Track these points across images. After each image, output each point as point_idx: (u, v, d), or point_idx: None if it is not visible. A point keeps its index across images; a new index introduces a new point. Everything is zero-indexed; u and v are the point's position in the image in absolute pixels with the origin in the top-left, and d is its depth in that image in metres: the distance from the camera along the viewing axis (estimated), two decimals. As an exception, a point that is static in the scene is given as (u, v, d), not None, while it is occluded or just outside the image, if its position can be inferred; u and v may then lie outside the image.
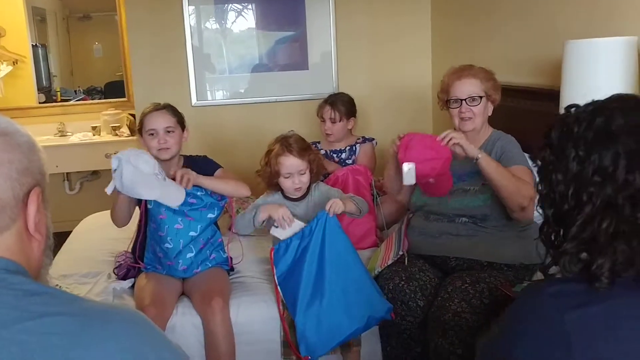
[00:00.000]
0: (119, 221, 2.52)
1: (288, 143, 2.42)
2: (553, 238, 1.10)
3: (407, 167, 2.23)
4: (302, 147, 2.43)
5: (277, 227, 2.37)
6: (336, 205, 2.32)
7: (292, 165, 2.40)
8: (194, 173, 2.39)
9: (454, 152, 2.28)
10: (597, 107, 1.07)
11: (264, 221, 2.40)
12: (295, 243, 2.32)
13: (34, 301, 0.84)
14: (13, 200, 0.89)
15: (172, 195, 2.33)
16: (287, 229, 2.35)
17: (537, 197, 1.14)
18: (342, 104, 3.26)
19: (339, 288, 2.26)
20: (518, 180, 2.26)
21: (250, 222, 2.41)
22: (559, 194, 1.06)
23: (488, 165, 2.25)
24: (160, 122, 2.50)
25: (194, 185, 2.43)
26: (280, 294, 2.33)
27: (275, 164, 2.41)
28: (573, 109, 1.10)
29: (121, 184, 2.28)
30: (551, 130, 1.11)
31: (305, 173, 2.43)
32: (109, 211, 3.62)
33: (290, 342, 2.29)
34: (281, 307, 2.35)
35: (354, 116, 3.32)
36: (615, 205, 0.99)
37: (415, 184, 2.38)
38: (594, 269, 0.98)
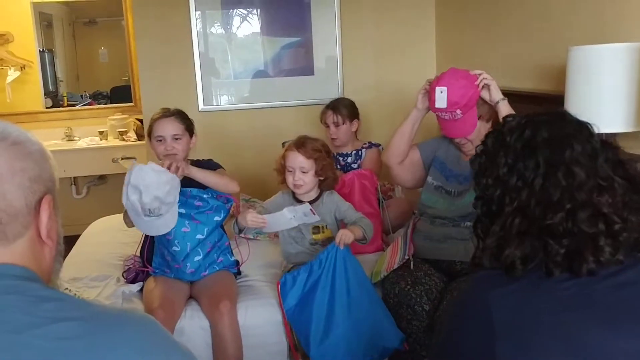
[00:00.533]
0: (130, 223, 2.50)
1: (301, 141, 2.50)
2: (482, 234, 1.21)
3: (440, 90, 2.34)
4: (313, 148, 2.48)
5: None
6: (346, 237, 2.34)
7: (295, 160, 2.46)
8: (184, 163, 2.42)
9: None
10: (528, 120, 1.19)
11: (242, 229, 2.46)
12: (304, 276, 2.34)
13: (48, 307, 0.86)
14: (25, 208, 0.90)
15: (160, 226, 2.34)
16: (268, 225, 2.40)
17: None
18: (343, 107, 3.30)
19: (352, 321, 2.26)
20: None
21: (236, 230, 2.48)
22: (488, 196, 1.19)
23: (509, 110, 2.33)
24: (169, 129, 2.52)
25: (199, 189, 2.47)
26: (289, 326, 2.36)
27: (283, 157, 2.50)
28: (510, 118, 1.22)
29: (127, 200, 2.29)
30: (487, 137, 1.23)
31: (307, 172, 2.47)
32: (116, 215, 3.68)
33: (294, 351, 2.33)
34: (292, 337, 2.37)
35: (357, 118, 3.36)
36: (528, 208, 1.12)
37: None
38: (503, 258, 1.11)
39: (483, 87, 2.39)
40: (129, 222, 2.44)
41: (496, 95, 2.38)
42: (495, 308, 1.08)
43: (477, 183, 1.23)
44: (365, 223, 2.47)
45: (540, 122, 1.17)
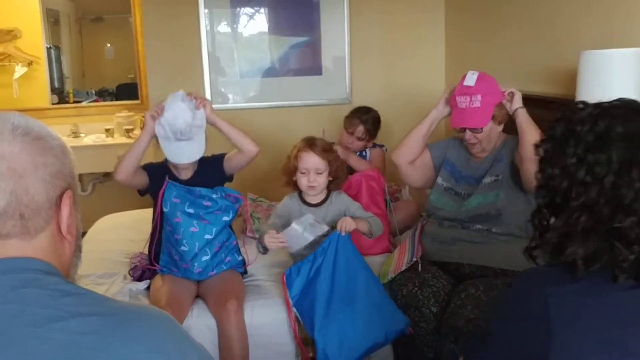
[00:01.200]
0: (124, 168, 2.49)
1: (312, 141, 2.47)
2: (541, 226, 1.16)
3: (473, 72, 2.43)
4: (325, 148, 2.47)
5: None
6: (347, 223, 2.34)
7: (310, 161, 2.43)
8: (210, 106, 2.54)
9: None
10: (601, 112, 1.10)
11: (267, 249, 2.41)
12: (307, 265, 2.35)
13: (68, 301, 0.87)
14: (47, 203, 0.91)
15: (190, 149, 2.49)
16: (287, 243, 2.36)
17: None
18: (372, 124, 3.34)
19: (355, 304, 2.28)
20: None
21: (261, 250, 2.44)
22: (553, 187, 1.11)
23: (527, 118, 2.36)
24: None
25: (208, 189, 2.47)
26: (294, 313, 2.36)
27: (295, 159, 2.45)
28: (581, 105, 1.14)
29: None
30: (556, 124, 1.14)
31: (322, 173, 2.44)
32: (123, 212, 3.69)
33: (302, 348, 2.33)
34: (296, 327, 2.38)
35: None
36: (596, 206, 1.05)
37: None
38: (566, 255, 1.05)
39: (509, 94, 2.42)
40: (123, 166, 2.49)
41: (517, 103, 2.40)
42: (554, 307, 1.03)
43: (540, 171, 1.16)
44: (375, 221, 2.47)
45: (615, 116, 1.08)
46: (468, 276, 2.40)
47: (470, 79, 2.42)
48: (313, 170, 2.43)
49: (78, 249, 1.03)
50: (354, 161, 3.21)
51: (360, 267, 2.36)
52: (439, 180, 2.64)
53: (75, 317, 0.85)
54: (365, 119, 3.32)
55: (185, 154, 2.48)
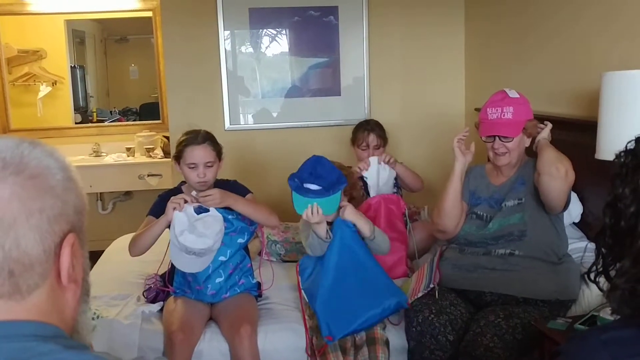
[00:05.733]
0: (140, 248, 2.46)
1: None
2: (605, 248, 1.00)
3: (510, 89, 2.48)
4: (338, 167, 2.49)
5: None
6: (349, 207, 2.39)
7: None
8: (224, 194, 2.41)
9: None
10: None
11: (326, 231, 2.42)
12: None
13: None
14: (43, 255, 0.78)
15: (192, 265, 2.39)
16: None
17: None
18: (379, 129, 3.29)
19: (355, 278, 2.37)
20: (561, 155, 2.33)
21: (320, 243, 2.42)
22: (621, 209, 0.95)
23: (549, 149, 2.35)
24: (202, 156, 2.48)
25: (225, 210, 2.44)
26: (304, 298, 2.46)
27: None
28: None
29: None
30: None
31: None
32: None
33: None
34: (306, 317, 2.44)
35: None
36: None
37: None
38: None
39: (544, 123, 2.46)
40: (139, 246, 2.45)
41: (545, 133, 2.42)
42: None
43: (612, 184, 0.99)
44: (380, 232, 2.50)
45: None
46: (489, 305, 2.34)
47: (510, 91, 2.44)
48: None
49: (85, 292, 0.89)
50: (402, 170, 3.17)
51: (361, 248, 2.43)
52: None
53: None
54: (371, 127, 3.27)
55: (191, 266, 2.40)
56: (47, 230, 0.78)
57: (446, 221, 2.51)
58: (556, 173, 2.26)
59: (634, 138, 1.00)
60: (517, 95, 2.43)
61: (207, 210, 2.39)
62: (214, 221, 2.37)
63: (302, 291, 2.48)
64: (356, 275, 2.38)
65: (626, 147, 1.00)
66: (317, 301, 2.34)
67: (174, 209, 2.35)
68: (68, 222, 0.81)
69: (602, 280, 0.99)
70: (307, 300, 2.46)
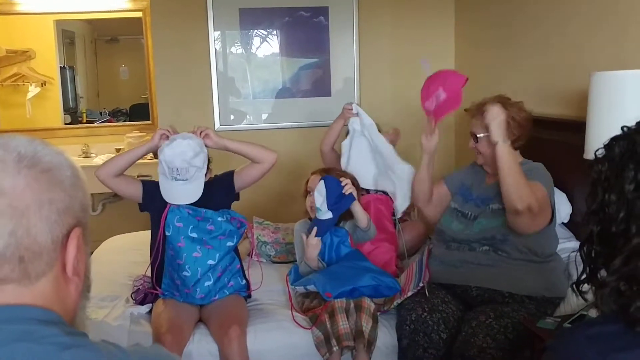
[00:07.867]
0: (108, 168, 2.51)
1: (325, 168, 2.83)
2: (593, 255, 0.99)
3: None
4: (337, 174, 2.67)
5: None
6: (352, 187, 2.52)
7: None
8: (213, 132, 2.50)
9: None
10: None
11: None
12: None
13: (66, 356, 0.78)
14: (51, 244, 0.82)
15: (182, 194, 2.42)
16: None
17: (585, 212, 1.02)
18: None
19: (349, 262, 2.54)
20: (524, 184, 2.21)
21: (306, 265, 2.59)
22: (609, 215, 0.95)
23: (503, 154, 2.24)
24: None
25: (213, 212, 2.43)
26: (291, 289, 2.57)
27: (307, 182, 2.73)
28: None
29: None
30: (615, 143, 0.98)
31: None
32: (130, 233, 3.67)
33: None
34: (291, 298, 2.56)
35: None
36: None
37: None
38: (632, 311, 0.87)
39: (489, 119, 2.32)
40: (111, 167, 2.49)
41: (495, 136, 2.28)
42: None
43: (592, 193, 0.99)
44: (372, 224, 2.66)
45: None
46: (476, 299, 2.36)
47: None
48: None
49: (86, 288, 0.92)
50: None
51: (348, 249, 2.63)
52: (451, 203, 2.63)
53: None
54: None
55: (180, 196, 2.41)
56: (56, 221, 0.82)
57: (416, 199, 2.72)
58: (516, 213, 2.20)
59: (602, 145, 1.00)
60: (429, 72, 2.52)
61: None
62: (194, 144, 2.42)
63: (290, 285, 2.59)
64: (351, 261, 2.54)
65: (596, 155, 1.00)
66: (313, 276, 2.46)
67: (162, 135, 2.44)
68: (74, 217, 0.86)
69: (589, 291, 1.00)
70: (297, 292, 2.55)
